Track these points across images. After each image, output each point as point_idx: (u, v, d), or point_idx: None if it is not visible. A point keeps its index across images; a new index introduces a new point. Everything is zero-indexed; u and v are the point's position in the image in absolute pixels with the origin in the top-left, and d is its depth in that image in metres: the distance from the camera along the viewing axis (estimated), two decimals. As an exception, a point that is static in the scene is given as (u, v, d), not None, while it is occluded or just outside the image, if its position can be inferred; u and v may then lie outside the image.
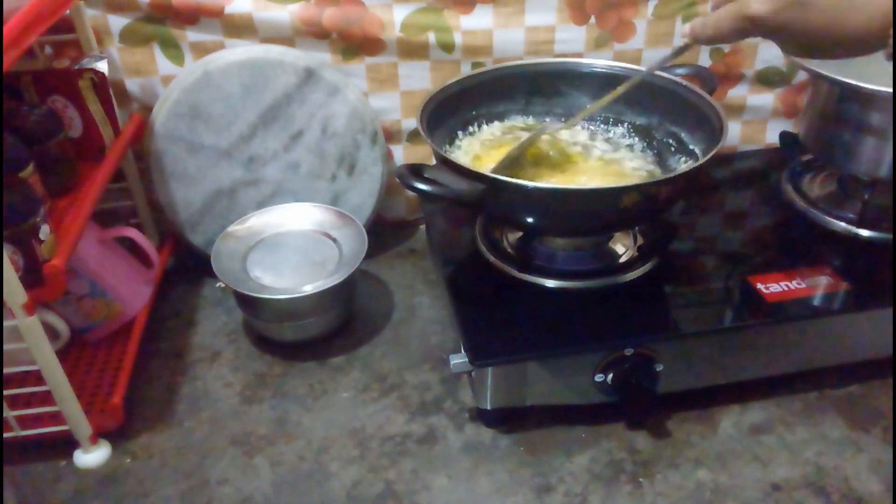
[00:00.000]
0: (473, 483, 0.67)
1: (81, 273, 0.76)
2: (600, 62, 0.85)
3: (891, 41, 0.48)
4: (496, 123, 0.86)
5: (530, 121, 0.87)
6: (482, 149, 0.81)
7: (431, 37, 0.88)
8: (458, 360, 0.67)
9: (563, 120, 0.87)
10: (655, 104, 0.82)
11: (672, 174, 0.71)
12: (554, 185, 0.73)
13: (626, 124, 0.85)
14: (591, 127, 0.86)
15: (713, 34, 0.56)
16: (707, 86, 0.79)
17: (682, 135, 0.80)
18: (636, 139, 0.84)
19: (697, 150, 0.77)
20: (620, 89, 0.71)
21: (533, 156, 0.79)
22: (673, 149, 0.81)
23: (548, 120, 0.87)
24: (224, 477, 0.68)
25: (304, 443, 0.71)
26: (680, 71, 0.82)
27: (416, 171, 0.65)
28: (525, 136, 0.80)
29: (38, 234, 0.62)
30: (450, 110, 0.80)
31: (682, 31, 0.60)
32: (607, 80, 0.84)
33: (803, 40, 0.52)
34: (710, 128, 0.73)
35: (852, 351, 0.74)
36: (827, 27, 0.50)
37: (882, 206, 0.82)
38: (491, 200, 0.65)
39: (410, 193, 0.83)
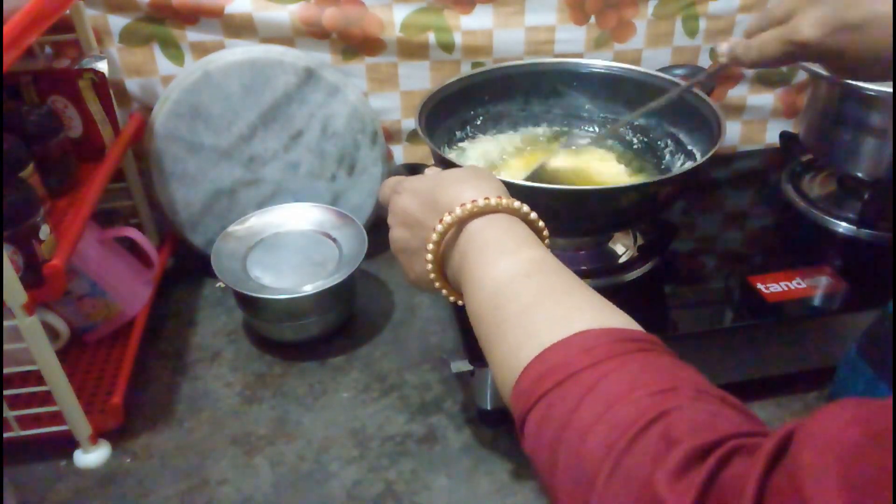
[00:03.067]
0: (473, 483, 0.67)
1: (81, 273, 0.76)
2: (599, 62, 0.85)
3: None
4: (514, 133, 0.86)
5: (539, 130, 0.87)
6: (500, 157, 0.81)
7: (431, 37, 0.88)
8: (459, 362, 0.67)
9: (568, 124, 0.87)
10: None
11: (671, 174, 0.71)
12: (553, 185, 0.73)
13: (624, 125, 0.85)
14: (589, 129, 0.86)
15: (757, 58, 0.56)
16: (705, 86, 0.79)
17: (681, 135, 0.80)
18: (635, 139, 0.84)
19: (696, 151, 0.77)
20: (654, 104, 0.72)
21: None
22: (671, 149, 0.81)
23: (546, 125, 0.87)
24: (224, 477, 0.68)
25: (304, 443, 0.71)
26: (678, 72, 0.83)
27: (415, 170, 0.65)
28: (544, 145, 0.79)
29: (38, 234, 0.62)
30: (448, 110, 0.80)
31: (719, 50, 0.60)
32: (606, 81, 0.84)
33: (853, 63, 0.51)
34: (709, 129, 0.73)
35: (852, 351, 0.74)
36: (877, 52, 0.49)
37: (882, 206, 0.82)
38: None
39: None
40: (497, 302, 0.41)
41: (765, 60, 0.56)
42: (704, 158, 0.68)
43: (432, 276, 0.48)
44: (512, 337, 0.38)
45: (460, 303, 0.47)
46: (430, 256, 0.47)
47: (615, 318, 0.37)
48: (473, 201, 0.45)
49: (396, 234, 0.52)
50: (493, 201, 0.45)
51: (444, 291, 0.48)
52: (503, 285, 0.41)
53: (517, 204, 0.46)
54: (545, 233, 0.47)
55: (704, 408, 0.30)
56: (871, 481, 0.22)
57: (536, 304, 0.39)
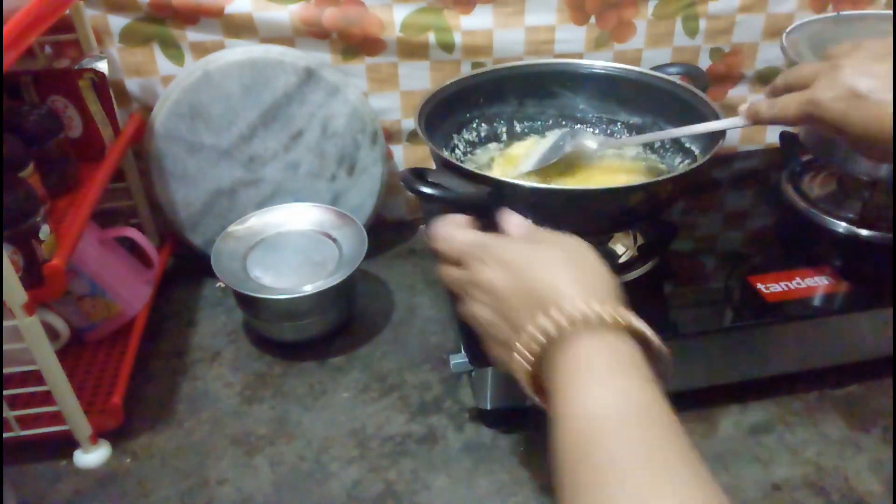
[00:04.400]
0: (473, 483, 0.67)
1: (81, 273, 0.76)
2: (599, 63, 0.85)
3: None
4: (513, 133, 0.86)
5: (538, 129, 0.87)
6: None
7: (431, 37, 0.88)
8: (458, 360, 0.67)
9: (568, 124, 0.87)
10: (650, 104, 0.82)
11: (671, 174, 0.71)
12: (553, 185, 0.73)
13: (619, 124, 0.85)
14: (589, 129, 0.86)
15: (776, 116, 0.59)
16: (699, 84, 0.79)
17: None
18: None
19: (695, 150, 0.77)
20: (663, 134, 0.74)
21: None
22: (669, 149, 0.81)
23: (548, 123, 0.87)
24: (224, 477, 0.68)
25: (304, 443, 0.71)
26: (673, 69, 0.82)
27: (421, 174, 0.65)
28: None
29: (38, 234, 0.62)
30: (449, 110, 0.80)
31: (740, 110, 0.65)
32: (605, 82, 0.84)
33: (858, 135, 0.53)
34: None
35: (852, 351, 0.74)
36: (880, 127, 0.51)
37: (882, 206, 0.82)
38: (494, 202, 0.65)
39: (410, 193, 0.83)
40: (581, 448, 0.37)
41: (782, 120, 0.59)
42: (705, 159, 0.68)
43: (523, 384, 0.44)
44: None
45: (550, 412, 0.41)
46: (524, 366, 0.42)
47: (696, 499, 0.34)
48: (581, 313, 0.40)
49: (481, 311, 0.47)
50: (605, 315, 0.40)
51: (536, 399, 0.44)
52: (592, 428, 0.37)
53: (636, 322, 0.40)
54: (665, 356, 0.41)
55: None
56: None
57: (620, 467, 0.35)
